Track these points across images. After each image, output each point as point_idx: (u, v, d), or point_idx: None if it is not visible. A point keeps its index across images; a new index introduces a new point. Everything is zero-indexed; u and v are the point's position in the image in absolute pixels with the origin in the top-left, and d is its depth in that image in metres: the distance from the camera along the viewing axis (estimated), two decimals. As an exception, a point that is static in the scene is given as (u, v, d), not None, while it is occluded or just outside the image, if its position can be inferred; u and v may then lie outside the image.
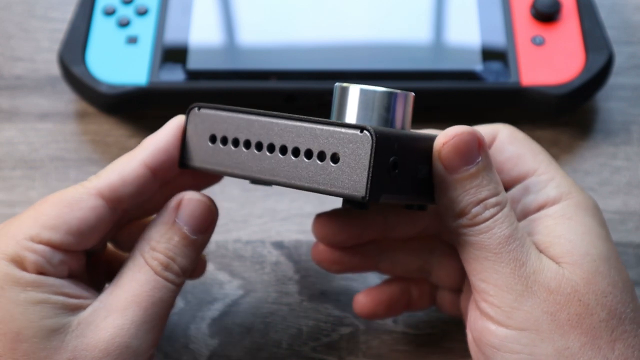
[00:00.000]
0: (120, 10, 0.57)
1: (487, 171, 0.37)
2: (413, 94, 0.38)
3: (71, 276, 0.38)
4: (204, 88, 0.54)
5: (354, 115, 0.37)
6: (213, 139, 0.39)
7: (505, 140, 0.41)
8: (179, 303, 0.48)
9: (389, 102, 0.37)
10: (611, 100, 0.57)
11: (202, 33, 0.56)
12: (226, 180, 0.51)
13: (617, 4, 0.62)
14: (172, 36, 0.56)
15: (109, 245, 0.43)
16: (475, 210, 0.36)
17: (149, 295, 0.37)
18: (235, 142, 0.38)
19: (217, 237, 0.50)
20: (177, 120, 0.40)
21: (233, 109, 0.38)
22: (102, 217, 0.38)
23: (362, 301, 0.44)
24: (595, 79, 0.54)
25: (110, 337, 0.36)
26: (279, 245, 0.50)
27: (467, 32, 0.56)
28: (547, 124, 0.56)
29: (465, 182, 0.36)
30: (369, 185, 0.34)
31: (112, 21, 0.57)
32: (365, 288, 0.45)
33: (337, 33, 0.57)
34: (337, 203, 0.41)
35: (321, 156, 0.35)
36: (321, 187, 0.35)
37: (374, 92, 0.36)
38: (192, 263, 0.39)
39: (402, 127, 0.37)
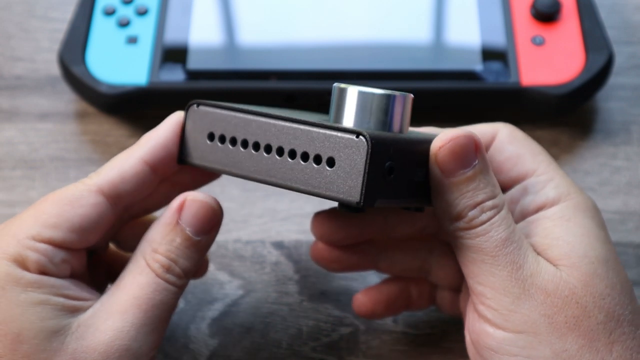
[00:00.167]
0: (120, 10, 0.57)
1: (484, 174, 0.36)
2: (412, 95, 0.38)
3: (73, 276, 0.38)
4: (204, 88, 0.54)
5: (352, 118, 0.36)
6: (211, 136, 0.39)
7: (505, 140, 0.40)
8: (179, 303, 0.48)
9: (387, 105, 0.36)
10: (611, 100, 0.57)
11: (202, 33, 0.56)
12: (226, 180, 0.51)
13: (617, 4, 0.62)
14: (172, 36, 0.56)
15: (111, 246, 0.43)
16: (471, 213, 0.36)
17: (149, 298, 0.37)
18: (233, 141, 0.38)
19: (217, 237, 0.50)
20: (176, 117, 0.40)
21: (231, 107, 0.38)
22: (103, 214, 0.38)
23: (361, 300, 0.44)
24: (595, 79, 0.54)
25: (109, 340, 0.36)
26: (279, 245, 0.50)
27: (467, 32, 0.56)
28: (547, 124, 0.56)
29: (462, 186, 0.36)
30: (363, 191, 0.34)
31: (112, 21, 0.57)
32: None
33: (337, 33, 0.57)
34: (336, 202, 0.41)
35: (317, 159, 0.35)
36: (316, 190, 0.35)
37: (372, 94, 0.36)
38: (195, 265, 0.39)
39: (400, 130, 0.37)
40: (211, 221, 0.39)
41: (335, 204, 0.36)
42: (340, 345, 0.46)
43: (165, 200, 0.42)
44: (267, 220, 0.51)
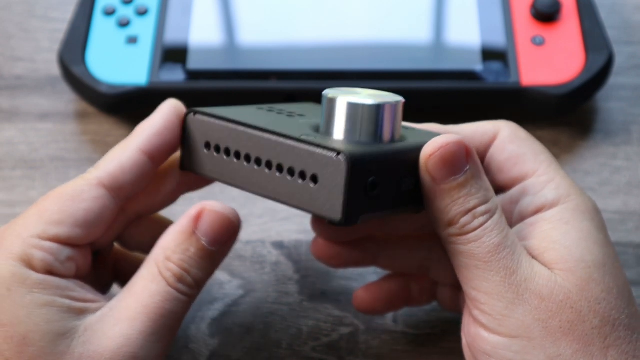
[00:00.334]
0: (120, 10, 0.57)
1: (475, 179, 0.36)
2: (402, 100, 0.37)
3: (78, 276, 0.38)
4: (204, 88, 0.54)
5: (342, 129, 0.36)
6: (207, 145, 0.39)
7: (506, 139, 0.40)
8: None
9: (377, 115, 0.36)
10: (611, 100, 0.57)
11: (202, 33, 0.56)
12: (226, 180, 0.51)
13: (617, 4, 0.62)
14: (172, 36, 0.56)
15: (115, 245, 0.43)
16: (463, 220, 0.36)
17: (159, 307, 0.37)
18: (227, 152, 0.38)
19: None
20: (169, 104, 0.40)
21: (225, 117, 0.38)
22: (105, 206, 0.38)
23: (361, 296, 0.44)
24: (595, 79, 0.54)
25: (117, 347, 0.36)
26: (279, 245, 0.50)
27: (467, 32, 0.56)
28: (547, 124, 0.56)
29: (454, 192, 0.36)
30: (344, 209, 0.34)
31: (112, 21, 0.57)
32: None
33: (337, 33, 0.57)
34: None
35: (302, 175, 0.35)
36: (302, 206, 0.36)
37: (361, 106, 0.36)
38: (208, 275, 0.38)
39: (392, 137, 0.37)
40: (228, 233, 0.38)
41: None
42: (340, 345, 0.46)
43: (170, 199, 0.42)
44: (267, 220, 0.51)
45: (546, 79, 0.54)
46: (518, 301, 0.35)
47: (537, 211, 0.38)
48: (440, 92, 0.54)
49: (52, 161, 0.55)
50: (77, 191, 0.37)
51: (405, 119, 0.41)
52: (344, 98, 0.36)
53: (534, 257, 0.37)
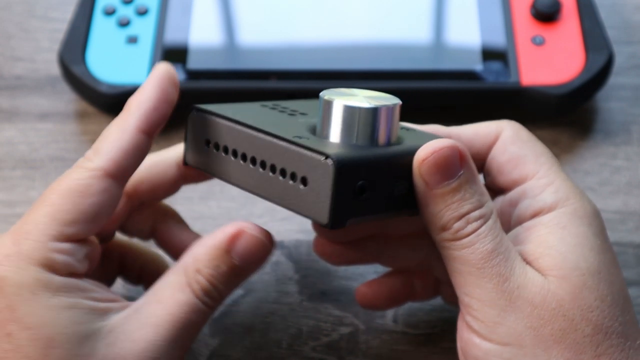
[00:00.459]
0: (120, 10, 0.57)
1: (469, 184, 0.36)
2: (399, 103, 0.37)
3: (90, 269, 0.38)
4: (204, 88, 0.54)
5: (337, 132, 0.36)
6: (208, 142, 0.39)
7: (508, 141, 0.40)
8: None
9: (373, 118, 0.36)
10: (611, 100, 0.57)
11: (202, 33, 0.56)
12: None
13: (617, 4, 0.62)
14: (172, 36, 0.56)
15: (119, 238, 0.44)
16: (457, 225, 0.36)
17: (184, 317, 0.37)
18: (225, 150, 0.38)
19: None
20: (161, 70, 0.39)
21: (224, 115, 0.38)
22: (114, 196, 0.37)
23: (363, 292, 0.44)
24: (595, 79, 0.54)
25: (140, 351, 0.36)
26: (279, 245, 0.50)
27: (467, 32, 0.56)
28: (547, 124, 0.56)
29: (447, 197, 0.36)
30: (331, 213, 0.34)
31: (112, 21, 0.57)
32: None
33: (337, 33, 0.57)
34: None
35: (293, 176, 0.35)
36: (292, 207, 0.36)
37: (358, 109, 0.36)
38: (232, 290, 0.39)
39: (387, 140, 0.37)
40: (262, 257, 0.38)
41: None
42: (340, 345, 0.46)
43: (173, 189, 0.42)
44: (267, 220, 0.51)
45: (546, 79, 0.54)
46: (510, 308, 0.35)
47: (535, 215, 0.38)
48: (441, 92, 0.54)
49: (52, 161, 0.55)
50: (85, 185, 0.37)
51: (406, 119, 0.41)
52: (340, 101, 0.36)
53: (528, 262, 0.36)
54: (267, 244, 0.38)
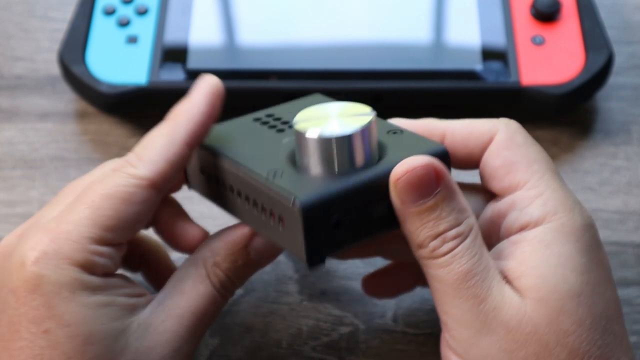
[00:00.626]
0: (120, 10, 0.57)
1: (446, 202, 0.35)
2: (373, 117, 0.36)
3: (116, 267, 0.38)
4: (204, 88, 0.54)
5: (317, 164, 0.36)
6: (202, 171, 0.40)
7: (501, 144, 0.39)
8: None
9: (347, 145, 0.36)
10: (611, 100, 0.57)
11: (202, 33, 0.56)
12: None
13: (617, 4, 0.62)
14: (172, 36, 0.56)
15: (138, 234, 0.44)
16: (433, 244, 0.35)
17: (204, 307, 0.38)
18: (216, 180, 0.39)
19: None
20: (210, 85, 0.39)
21: (209, 147, 0.39)
22: (154, 206, 0.38)
23: (369, 281, 0.45)
24: (595, 78, 0.54)
25: (165, 341, 0.37)
26: (279, 244, 0.50)
27: (467, 32, 0.56)
28: (547, 124, 0.56)
29: (423, 215, 0.35)
30: (307, 253, 0.34)
31: (112, 21, 0.57)
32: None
33: (337, 33, 0.57)
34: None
35: (272, 215, 0.36)
36: (278, 242, 0.36)
37: (329, 139, 0.35)
38: (244, 282, 0.40)
39: (367, 159, 0.36)
40: (277, 252, 0.40)
41: None
42: (340, 344, 0.46)
43: (175, 187, 0.43)
44: (267, 220, 0.51)
45: (546, 79, 0.54)
46: (485, 330, 0.35)
47: (522, 228, 0.37)
48: (440, 92, 0.54)
49: (52, 161, 0.55)
50: (129, 193, 0.37)
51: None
52: (313, 131, 0.36)
53: (509, 281, 0.36)
54: None
